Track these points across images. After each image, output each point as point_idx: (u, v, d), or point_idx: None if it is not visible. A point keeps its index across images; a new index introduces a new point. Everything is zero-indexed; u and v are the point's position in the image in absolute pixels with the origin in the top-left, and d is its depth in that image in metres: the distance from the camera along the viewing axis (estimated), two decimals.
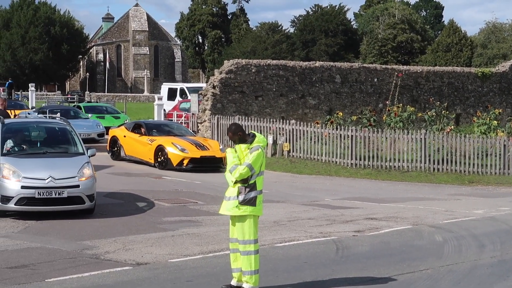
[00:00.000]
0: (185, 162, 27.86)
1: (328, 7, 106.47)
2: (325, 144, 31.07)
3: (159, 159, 28.31)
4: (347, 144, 30.63)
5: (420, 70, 44.37)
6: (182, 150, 28.00)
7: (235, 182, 10.92)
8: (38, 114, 35.47)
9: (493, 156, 29.75)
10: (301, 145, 31.92)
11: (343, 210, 20.03)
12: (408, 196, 24.13)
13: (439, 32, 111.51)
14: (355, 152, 30.39)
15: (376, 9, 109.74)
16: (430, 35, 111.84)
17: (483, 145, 30.14)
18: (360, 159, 30.37)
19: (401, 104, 36.56)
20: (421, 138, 30.03)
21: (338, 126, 31.61)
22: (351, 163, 30.44)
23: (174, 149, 28.02)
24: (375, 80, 41.39)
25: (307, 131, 31.83)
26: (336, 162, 30.83)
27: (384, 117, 34.78)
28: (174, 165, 27.76)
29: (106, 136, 35.54)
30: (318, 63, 40.25)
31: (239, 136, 11.12)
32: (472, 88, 45.67)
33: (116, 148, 30.39)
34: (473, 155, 29.87)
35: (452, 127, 34.67)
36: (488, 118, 35.28)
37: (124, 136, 30.13)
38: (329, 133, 31.33)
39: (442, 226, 17.55)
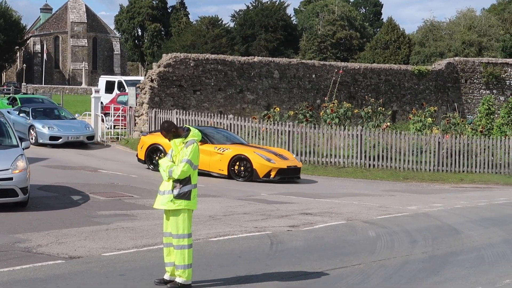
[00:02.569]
0: (273, 173, 25.78)
1: (269, 3, 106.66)
2: (263, 139, 31.14)
3: (238, 170, 25.93)
4: (284, 140, 30.75)
5: (358, 67, 44.75)
6: (268, 160, 25.93)
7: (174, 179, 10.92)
8: (19, 114, 34.20)
9: (427, 153, 30.19)
10: None
11: (278, 205, 20.11)
12: (344, 191, 24.32)
13: (378, 29, 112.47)
14: (292, 148, 30.52)
15: (316, 5, 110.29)
16: (369, 32, 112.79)
17: (418, 142, 30.57)
18: (297, 155, 30.48)
19: (336, 100, 36.81)
20: (357, 135, 30.31)
21: (276, 122, 31.73)
22: None
23: (260, 159, 25.80)
24: (313, 76, 41.61)
25: (244, 126, 31.88)
26: None
27: (321, 113, 35.00)
28: (261, 177, 25.62)
29: (95, 139, 34.00)
30: (256, 58, 40.32)
31: (173, 132, 11.13)
32: (408, 86, 46.21)
33: (157, 157, 26.68)
34: (408, 152, 30.26)
35: (388, 124, 35.01)
36: (424, 116, 35.72)
37: None
38: (266, 128, 31.43)
39: (376, 222, 17.74)
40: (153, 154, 27.11)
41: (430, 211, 20.07)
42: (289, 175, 26.21)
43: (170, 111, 33.88)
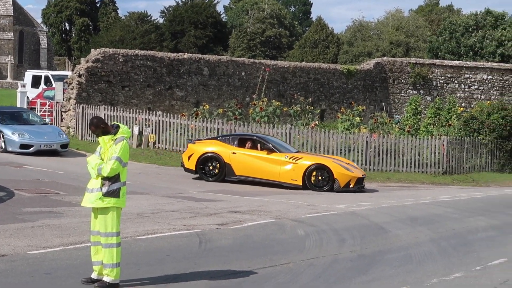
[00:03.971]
0: (352, 182, 25.11)
1: None
2: (192, 136, 31.01)
3: (316, 180, 24.94)
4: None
5: (288, 65, 44.85)
6: (347, 169, 25.36)
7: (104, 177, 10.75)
8: None
9: (355, 152, 30.40)
10: (167, 136, 31.79)
11: (207, 202, 20.03)
12: (272, 190, 24.33)
13: (307, 28, 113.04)
14: None
15: (246, 3, 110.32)
16: (298, 31, 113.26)
17: (346, 141, 30.77)
18: None
19: (265, 98, 36.86)
20: (286, 133, 30.37)
21: (205, 119, 31.64)
22: None
23: (340, 168, 25.07)
24: (243, 73, 41.58)
25: (173, 122, 31.71)
26: None
27: (250, 111, 35.01)
28: (342, 186, 24.84)
29: (69, 149, 30.84)
30: (186, 55, 40.12)
31: (102, 128, 10.95)
32: (337, 85, 46.49)
33: (211, 167, 25.73)
34: (336, 150, 30.41)
35: (317, 122, 35.23)
36: (352, 115, 36.01)
37: (234, 153, 25.59)
38: (195, 126, 31.31)
39: (304, 220, 17.78)
40: (206, 164, 25.85)
41: (357, 210, 20.22)
42: (361, 185, 25.64)
43: (98, 107, 33.49)
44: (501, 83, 50.64)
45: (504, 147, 32.73)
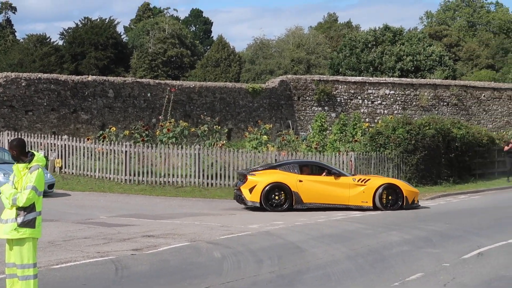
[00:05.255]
0: (416, 198, 26.59)
1: (98, 20, 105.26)
2: (99, 159, 30.59)
3: (385, 199, 25.77)
4: (121, 160, 30.32)
5: (193, 85, 44.72)
6: (413, 186, 27.45)
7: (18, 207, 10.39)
8: None
9: None
10: (73, 161, 31.26)
11: (119, 227, 19.69)
12: (184, 211, 24.16)
13: (209, 47, 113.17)
14: (129, 168, 30.14)
15: (146, 23, 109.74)
16: (200, 50, 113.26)
17: (255, 159, 30.79)
18: (134, 175, 30.17)
19: (172, 119, 36.64)
20: (194, 153, 30.26)
21: (111, 142, 31.24)
22: (125, 179, 30.18)
23: (407, 186, 26.63)
24: (149, 95, 41.26)
25: (79, 146, 31.22)
26: (110, 178, 30.45)
27: (157, 132, 34.75)
28: (410, 203, 26.08)
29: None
30: (90, 77, 39.60)
31: (15, 153, 10.56)
32: (243, 104, 46.57)
33: (277, 197, 25.26)
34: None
35: (224, 142, 35.18)
36: (259, 133, 36.08)
37: (300, 181, 25.38)
38: (102, 149, 30.88)
39: (220, 242, 17.63)
40: (271, 194, 25.26)
41: (272, 229, 20.17)
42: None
43: (1, 133, 32.71)
44: (403, 98, 51.65)
45: (410, 161, 33.26)
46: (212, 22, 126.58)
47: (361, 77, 55.92)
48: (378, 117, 49.00)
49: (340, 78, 52.88)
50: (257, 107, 47.28)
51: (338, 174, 26.07)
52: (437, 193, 31.64)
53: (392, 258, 15.96)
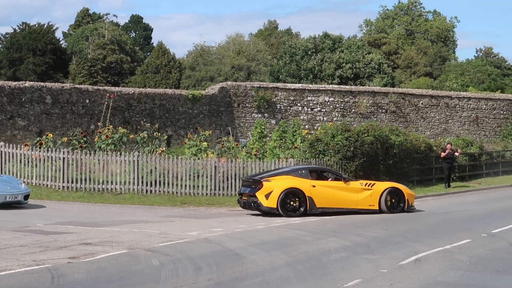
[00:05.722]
0: (413, 201, 27.93)
1: (37, 26, 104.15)
2: (36, 166, 30.17)
3: (390, 203, 26.93)
4: (59, 167, 29.96)
5: (132, 91, 44.43)
6: (410, 189, 29.00)
7: None
8: None
9: (204, 177, 30.37)
10: (10, 168, 30.76)
11: (56, 235, 19.42)
12: (123, 219, 23.95)
13: (149, 53, 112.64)
14: (67, 175, 29.80)
15: (85, 29, 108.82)
16: (140, 56, 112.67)
17: (195, 166, 30.72)
18: (73, 182, 29.85)
19: (111, 126, 36.33)
20: (134, 160, 30.04)
21: (49, 148, 30.87)
22: (63, 186, 29.84)
23: (407, 189, 27.97)
24: (87, 101, 40.89)
25: (16, 153, 30.76)
26: (47, 185, 30.07)
27: (96, 139, 34.43)
28: (410, 205, 27.52)
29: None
30: (28, 83, 39.11)
31: None
32: (183, 110, 46.40)
33: (292, 202, 25.71)
34: (185, 176, 30.31)
35: (164, 148, 34.99)
36: (199, 140, 35.97)
37: (314, 186, 25.99)
38: (39, 155, 30.48)
39: (158, 250, 17.50)
40: (287, 200, 25.69)
41: (210, 236, 20.09)
42: None
43: None
44: (342, 105, 52.00)
45: (349, 168, 33.44)
46: (152, 29, 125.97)
47: (300, 84, 56.13)
48: (318, 124, 49.25)
49: (280, 85, 53.04)
50: (197, 114, 47.16)
51: (346, 179, 27.10)
52: None
53: (330, 264, 16.01)
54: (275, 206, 25.46)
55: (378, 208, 26.67)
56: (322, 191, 26.13)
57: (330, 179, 26.96)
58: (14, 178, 28.07)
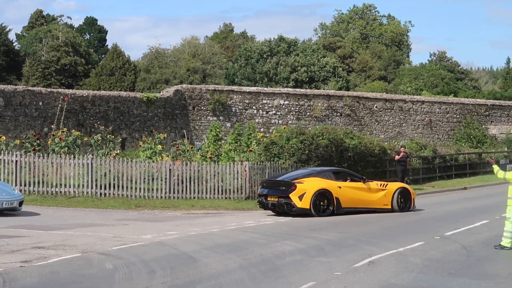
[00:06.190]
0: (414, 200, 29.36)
1: None
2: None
3: (400, 202, 28.36)
4: (11, 170, 29.64)
5: (86, 94, 44.13)
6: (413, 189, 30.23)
7: None
8: None
9: (159, 180, 30.26)
10: None
11: (8, 239, 19.21)
12: (76, 222, 23.76)
13: (103, 56, 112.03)
14: (19, 178, 29.49)
15: (39, 30, 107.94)
16: (94, 58, 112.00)
17: (149, 169, 30.59)
18: (25, 185, 29.54)
19: (65, 129, 36.02)
20: (87, 163, 29.83)
21: (1, 151, 30.53)
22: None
23: (412, 190, 29.60)
24: (41, 103, 40.52)
25: None
26: None
27: (49, 142, 34.11)
28: (414, 205, 29.04)
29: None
30: None
31: None
32: (137, 113, 46.21)
33: (321, 203, 26.72)
34: (140, 179, 30.17)
35: (118, 151, 34.77)
36: (154, 143, 35.81)
37: (339, 187, 27.11)
38: None
39: (112, 253, 17.38)
40: (318, 201, 26.67)
41: (165, 240, 20.01)
42: None
43: None
44: (297, 108, 52.16)
45: None
46: (107, 31, 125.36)
47: (256, 87, 56.24)
48: (273, 127, 49.31)
49: (235, 88, 53.06)
50: (152, 117, 47.00)
51: (365, 180, 28.19)
52: None
53: (285, 267, 16.02)
54: (308, 207, 26.45)
55: (390, 207, 28.07)
56: (347, 192, 27.35)
57: (349, 180, 27.90)
58: (7, 184, 27.28)
